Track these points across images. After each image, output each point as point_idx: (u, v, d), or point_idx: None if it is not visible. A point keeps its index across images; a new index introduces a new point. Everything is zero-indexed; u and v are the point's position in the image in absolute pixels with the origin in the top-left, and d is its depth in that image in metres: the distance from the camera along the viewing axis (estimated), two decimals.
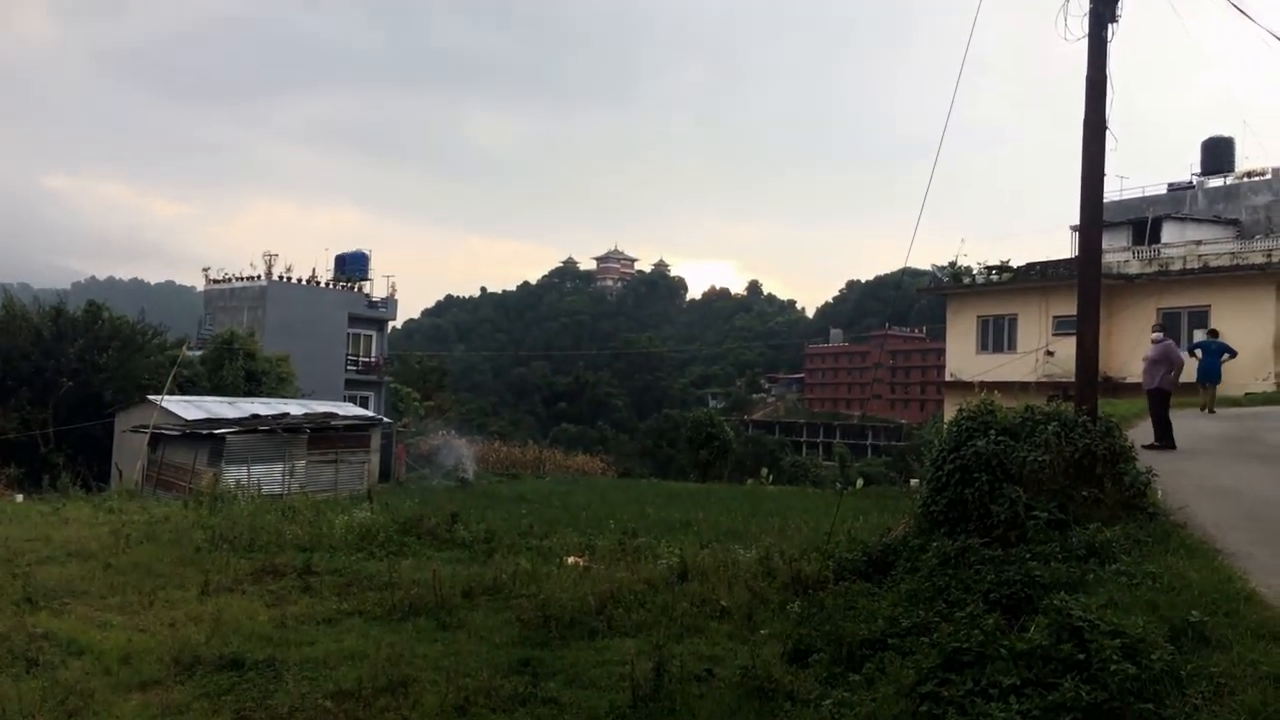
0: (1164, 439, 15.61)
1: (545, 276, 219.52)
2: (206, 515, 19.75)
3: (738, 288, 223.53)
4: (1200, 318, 32.31)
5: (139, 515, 20.00)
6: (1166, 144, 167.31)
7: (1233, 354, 21.50)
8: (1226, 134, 42.97)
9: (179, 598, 12.44)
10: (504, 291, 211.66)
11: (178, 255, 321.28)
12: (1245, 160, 42.59)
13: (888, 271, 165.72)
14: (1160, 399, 16.25)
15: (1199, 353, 21.30)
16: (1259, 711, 5.27)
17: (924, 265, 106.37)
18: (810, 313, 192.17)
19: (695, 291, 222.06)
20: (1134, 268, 35.37)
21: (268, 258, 48.45)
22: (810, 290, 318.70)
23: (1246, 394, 25.49)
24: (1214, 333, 22.17)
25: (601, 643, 10.13)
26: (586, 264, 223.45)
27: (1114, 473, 10.33)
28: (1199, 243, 35.41)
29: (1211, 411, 20.95)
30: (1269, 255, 32.62)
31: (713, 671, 8.56)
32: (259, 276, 48.33)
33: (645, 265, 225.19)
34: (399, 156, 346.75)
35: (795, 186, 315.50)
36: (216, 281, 49.76)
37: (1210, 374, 21.11)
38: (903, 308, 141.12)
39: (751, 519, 22.77)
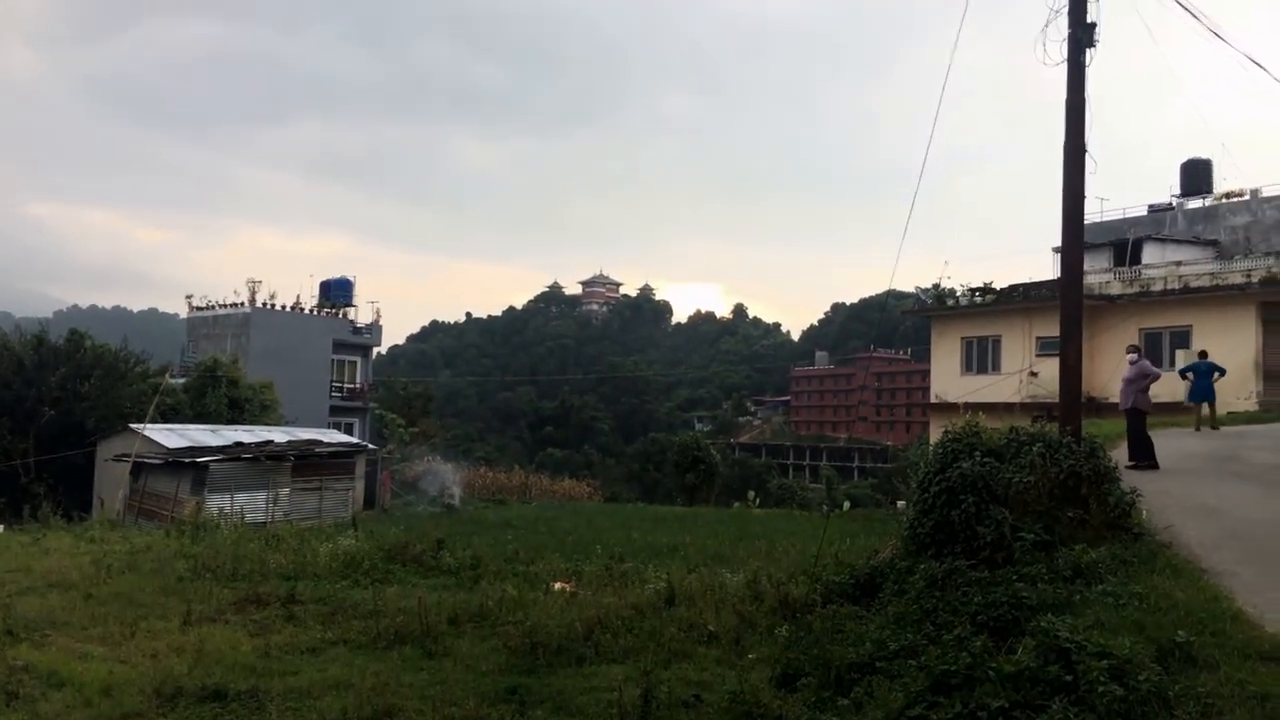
0: (1146, 458, 15.71)
1: (531, 301, 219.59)
2: (189, 544, 19.59)
3: (723, 311, 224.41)
4: (1182, 338, 32.56)
5: (120, 545, 19.82)
6: (1146, 166, 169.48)
7: (1222, 373, 21.81)
8: (1205, 156, 43.51)
9: (161, 628, 12.31)
10: (489, 316, 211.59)
11: (161, 282, 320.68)
12: (1223, 182, 43.13)
13: (872, 294, 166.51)
14: (1136, 418, 16.39)
15: (1190, 375, 21.57)
16: None
17: (908, 287, 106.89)
18: (795, 335, 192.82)
19: (681, 315, 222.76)
20: (1115, 288, 35.64)
21: (251, 284, 48.41)
22: (795, 313, 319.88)
23: (1229, 413, 25.68)
24: (1203, 354, 22.40)
25: (589, 669, 10.07)
26: (572, 288, 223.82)
27: (1099, 493, 10.37)
28: (1179, 263, 35.74)
29: (1215, 428, 21.26)
30: (1248, 275, 32.93)
31: (701, 697, 8.51)
32: (243, 303, 48.20)
33: (631, 289, 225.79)
34: (384, 183, 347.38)
35: (780, 210, 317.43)
36: (200, 309, 49.60)
37: (1204, 394, 21.42)
38: (887, 330, 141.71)
39: (739, 542, 22.72)
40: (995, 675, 6.42)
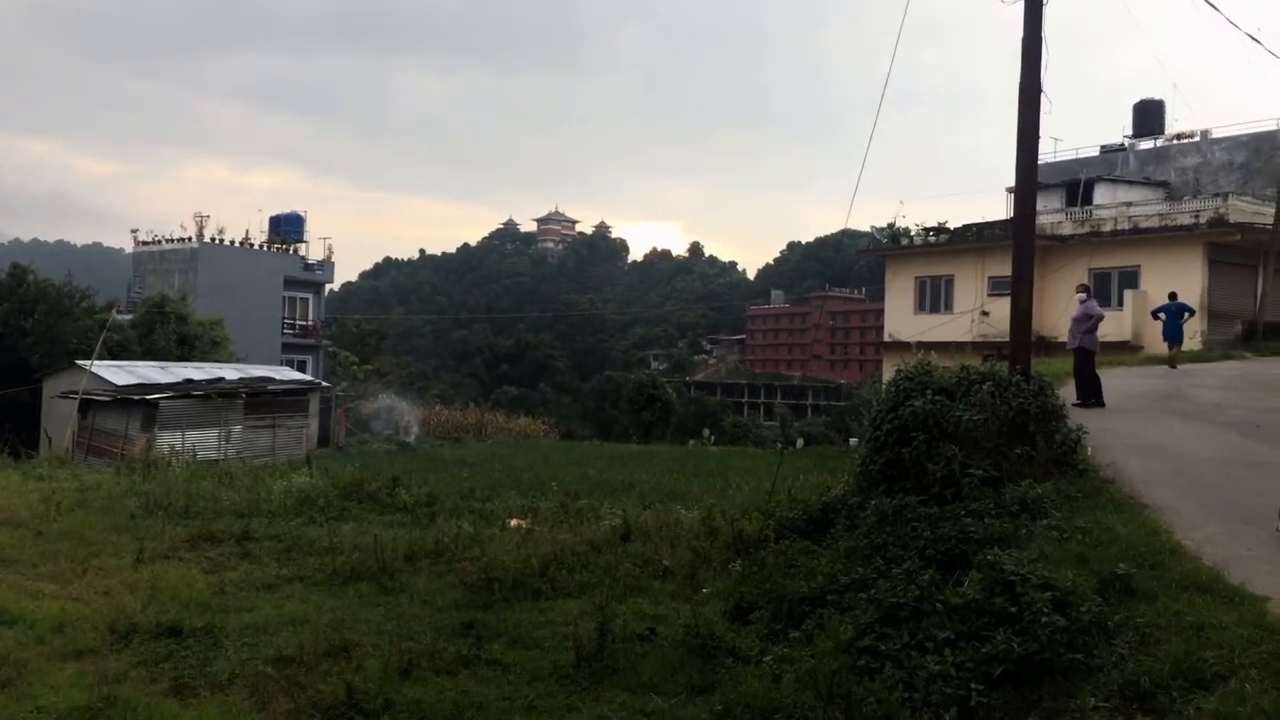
0: (1092, 396, 16.04)
1: (485, 238, 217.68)
2: (140, 482, 19.41)
3: (679, 249, 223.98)
4: (1130, 278, 33.06)
5: (70, 482, 19.58)
6: (1099, 107, 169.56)
7: (1191, 313, 22.65)
8: (1157, 97, 43.82)
9: (113, 566, 12.23)
10: (443, 254, 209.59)
11: (105, 216, 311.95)
12: (1175, 123, 43.57)
13: (828, 233, 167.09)
14: (1084, 358, 16.71)
15: (1162, 315, 22.23)
16: (1182, 660, 5.46)
17: (864, 227, 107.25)
18: (751, 274, 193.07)
19: (637, 253, 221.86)
20: (1067, 229, 36.03)
21: (199, 219, 47.49)
22: (752, 252, 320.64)
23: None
24: (1173, 295, 22.91)
25: (545, 604, 10.18)
26: (527, 226, 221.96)
27: (1046, 430, 10.57)
28: (1130, 204, 36.16)
29: (1173, 367, 22.02)
30: (1197, 216, 33.42)
31: (655, 630, 8.65)
32: (190, 238, 47.32)
33: (586, 227, 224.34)
34: (335, 116, 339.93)
35: (737, 148, 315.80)
36: (146, 243, 48.64)
37: (1173, 334, 22.23)
38: (842, 269, 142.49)
39: (694, 479, 22.96)
40: (943, 607, 6.58)
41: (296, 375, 38.39)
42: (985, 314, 34.00)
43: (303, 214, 52.63)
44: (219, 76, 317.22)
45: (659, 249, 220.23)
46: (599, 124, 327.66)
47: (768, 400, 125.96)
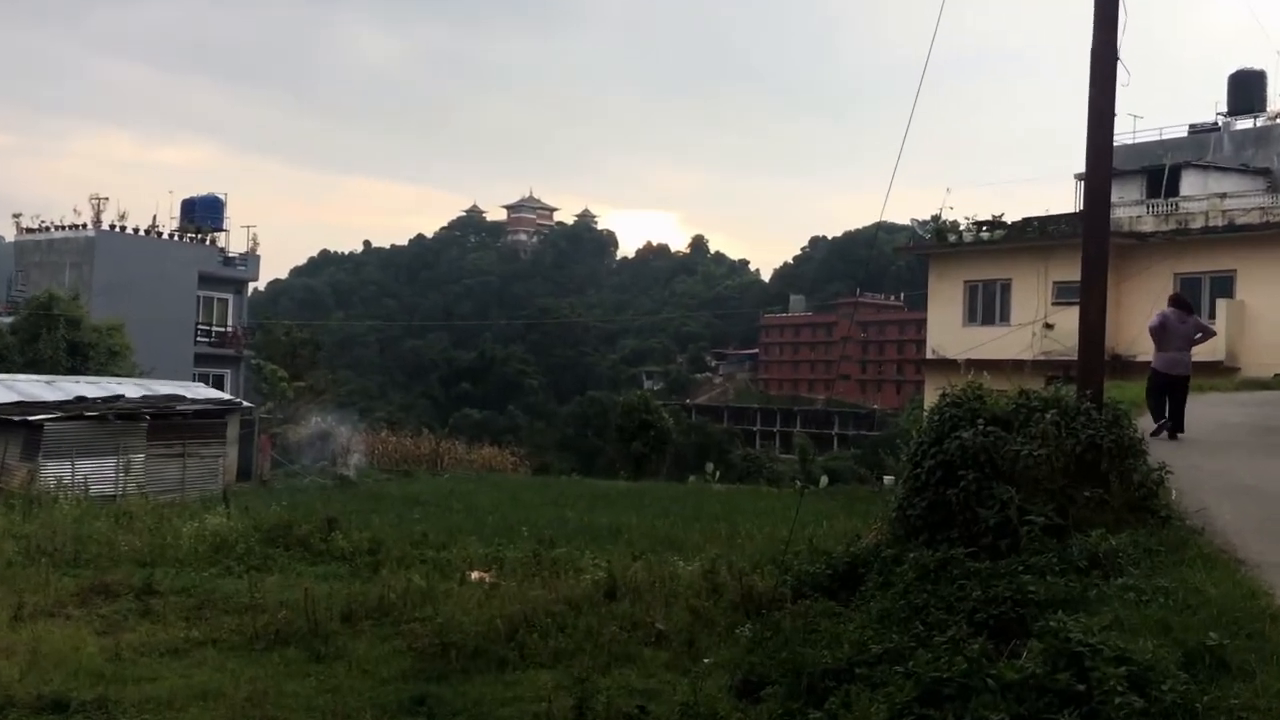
0: (1168, 426, 16.09)
1: (444, 229, 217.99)
2: (19, 522, 19.32)
3: (679, 244, 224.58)
4: (1224, 285, 33.20)
5: None
6: (1188, 78, 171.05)
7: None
8: (1257, 67, 43.98)
9: None
10: (393, 246, 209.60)
11: None
12: (1279, 98, 43.72)
13: (859, 227, 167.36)
14: (1153, 380, 16.72)
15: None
16: None
17: (902, 220, 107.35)
18: (766, 275, 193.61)
19: (628, 248, 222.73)
20: (1148, 224, 36.20)
21: (96, 202, 47.45)
22: (766, 249, 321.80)
23: (1276, 375, 26.30)
24: None
25: (512, 676, 10.15)
26: (495, 214, 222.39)
27: (1121, 469, 10.57)
28: (1224, 195, 36.32)
29: None
30: None
31: (646, 709, 8.63)
32: (85, 225, 47.29)
33: (566, 216, 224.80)
34: (263, 79, 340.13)
35: (749, 123, 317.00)
36: (30, 230, 48.60)
37: None
38: (876, 271, 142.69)
39: (694, 524, 22.93)
40: (995, 684, 6.56)
41: (212, 393, 38.33)
42: (1049, 327, 34.09)
43: (222, 197, 52.69)
44: (119, 28, 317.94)
45: (654, 244, 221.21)
46: (584, 93, 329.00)
47: (785, 428, 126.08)
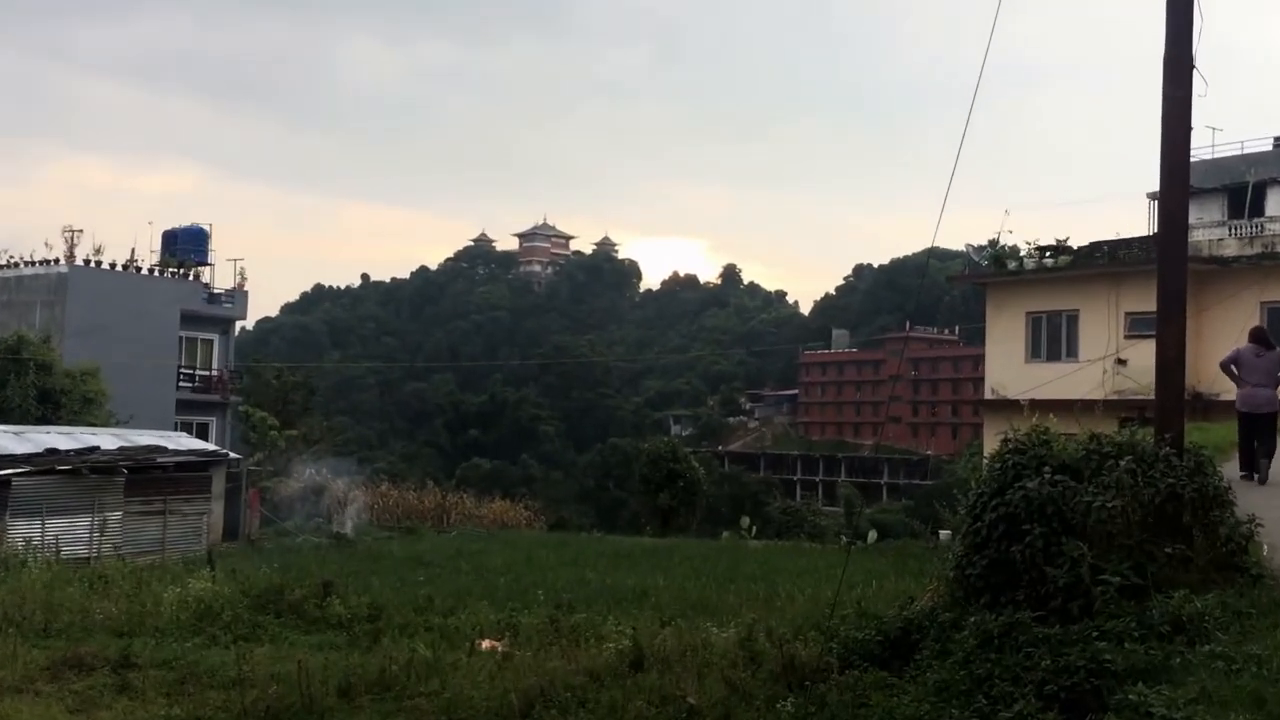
0: (1252, 470, 16.01)
1: (449, 259, 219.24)
2: None
3: (708, 274, 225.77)
4: None
5: None
6: (1272, 87, 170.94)
7: None
8: None
9: None
10: (393, 280, 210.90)
11: None
12: None
13: (908, 253, 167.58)
14: (1242, 421, 16.67)
15: None
16: None
17: (956, 245, 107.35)
18: (806, 308, 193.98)
19: (652, 280, 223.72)
20: (1230, 248, 36.04)
21: (70, 234, 47.70)
22: (805, 278, 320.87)
23: None
24: None
25: None
26: (505, 243, 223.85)
27: (1206, 522, 10.48)
28: None
29: None
30: None
31: None
32: (56, 260, 47.62)
33: (584, 245, 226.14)
34: (252, 98, 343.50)
35: (785, 142, 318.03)
36: None
37: None
38: (928, 302, 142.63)
39: (729, 585, 22.82)
40: None
41: (195, 443, 38.46)
42: (1122, 363, 33.93)
43: (206, 228, 53.03)
44: (97, 46, 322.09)
45: (681, 274, 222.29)
46: (603, 110, 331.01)
47: (828, 477, 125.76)
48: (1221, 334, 31.38)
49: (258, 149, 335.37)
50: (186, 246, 51.65)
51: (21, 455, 30.91)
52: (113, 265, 48.65)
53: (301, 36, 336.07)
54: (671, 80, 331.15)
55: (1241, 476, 15.58)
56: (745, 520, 43.54)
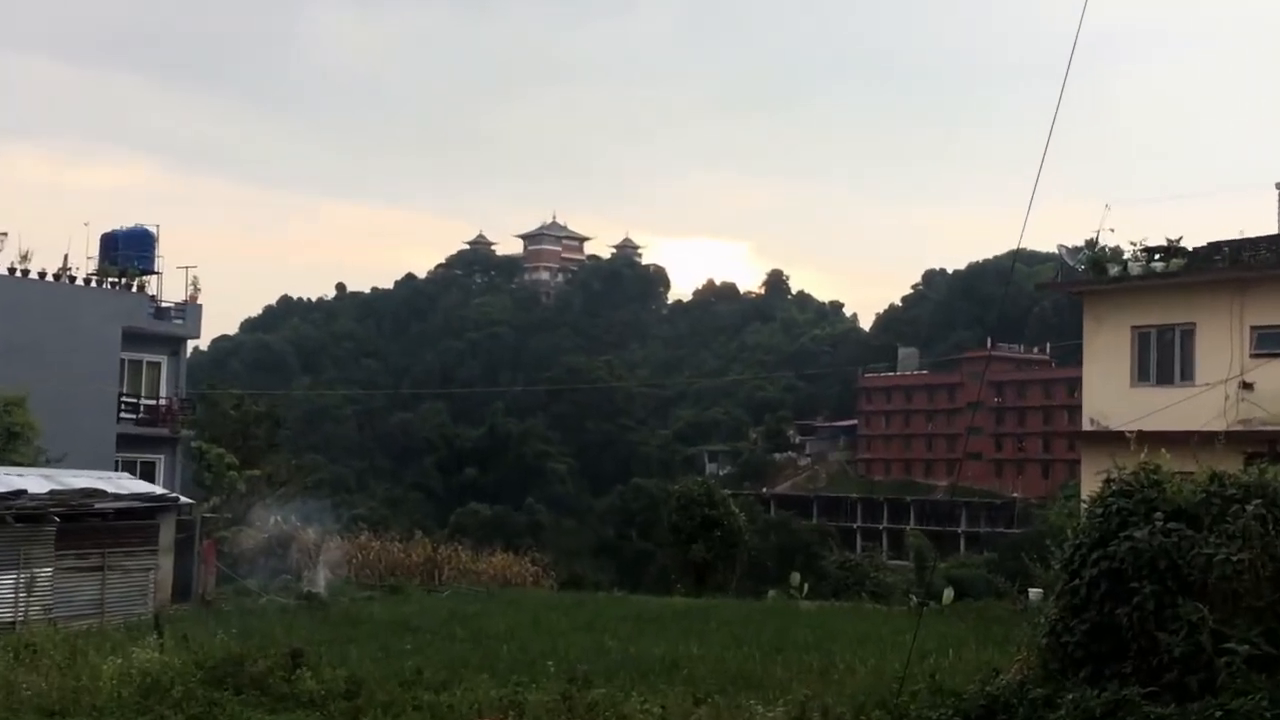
0: None
1: (441, 266, 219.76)
2: None
3: (750, 282, 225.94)
4: None
5: None
6: None
7: None
8: None
9: None
10: (374, 290, 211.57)
11: None
12: None
13: (988, 256, 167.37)
14: None
15: None
16: None
17: (1046, 246, 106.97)
18: (866, 322, 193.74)
19: (683, 289, 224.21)
20: None
21: None
22: (866, 287, 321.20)
23: None
24: None
25: None
26: (507, 245, 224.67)
27: None
28: None
29: None
30: None
31: None
32: None
33: (601, 247, 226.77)
34: (211, 77, 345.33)
35: (839, 125, 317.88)
36: None
37: None
38: (1014, 314, 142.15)
39: (776, 655, 22.75)
40: None
41: (140, 486, 38.49)
42: (1247, 387, 33.73)
43: (153, 230, 53.02)
44: (32, 19, 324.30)
45: (717, 282, 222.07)
46: (621, 89, 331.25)
47: (894, 525, 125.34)
48: None
49: (215, 138, 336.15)
50: (129, 252, 51.62)
51: None
52: (42, 274, 48.76)
53: (267, 7, 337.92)
54: (703, 51, 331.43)
55: None
56: (795, 577, 43.49)
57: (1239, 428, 32.74)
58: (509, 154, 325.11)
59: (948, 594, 39.20)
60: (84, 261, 50.60)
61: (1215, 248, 38.60)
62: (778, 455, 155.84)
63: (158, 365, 51.59)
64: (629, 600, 38.32)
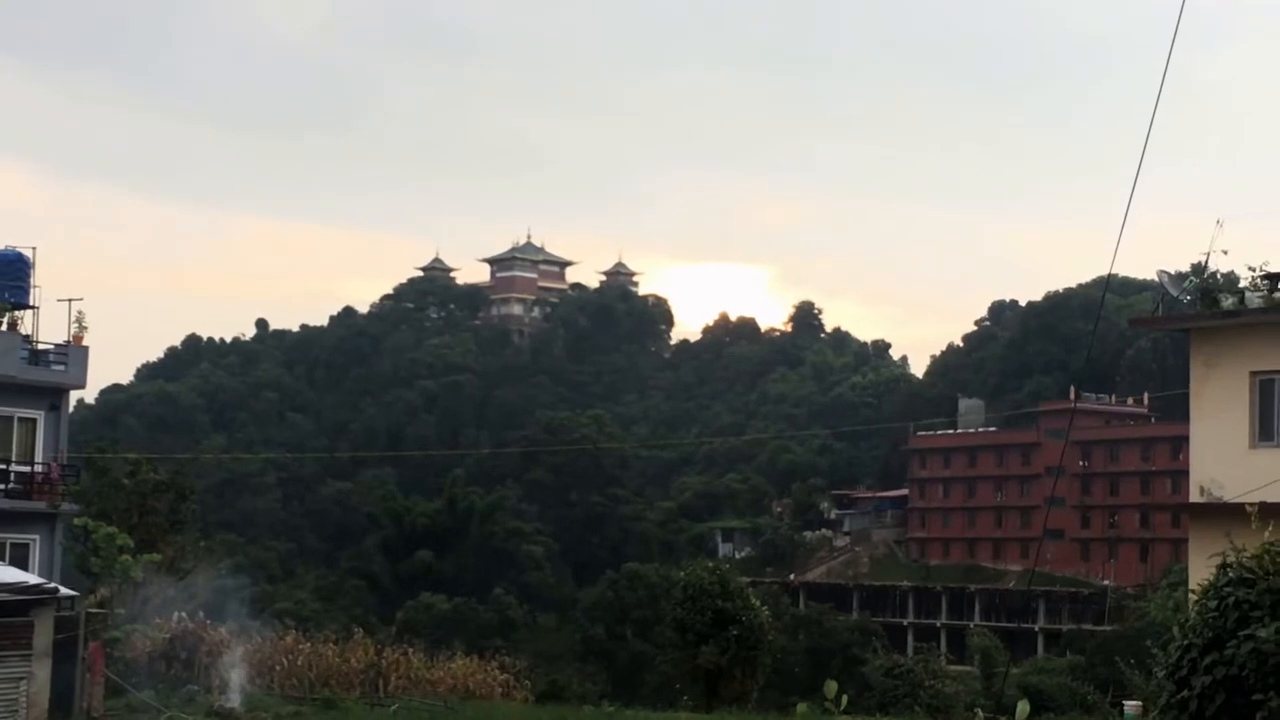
0: None
1: (388, 297, 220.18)
2: None
3: (774, 317, 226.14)
4: None
5: None
6: None
7: None
8: None
9: None
10: (304, 329, 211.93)
11: None
12: None
13: (1071, 285, 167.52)
14: None
15: None
16: None
17: (1141, 272, 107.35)
18: (919, 366, 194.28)
19: (690, 326, 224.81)
20: None
21: None
22: (917, 322, 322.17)
23: None
24: None
25: None
26: (470, 272, 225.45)
27: None
28: None
29: None
30: None
31: None
32: None
33: (587, 274, 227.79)
34: (99, 69, 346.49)
35: (881, 122, 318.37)
36: None
37: None
38: (1103, 356, 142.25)
39: None
40: None
41: (10, 574, 38.51)
42: None
43: (28, 253, 53.20)
44: None
45: (732, 317, 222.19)
46: (609, 76, 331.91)
47: (955, 621, 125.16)
48: None
49: (107, 134, 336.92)
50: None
51: None
52: None
53: None
54: (712, 34, 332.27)
55: None
56: (832, 686, 43.47)
57: None
58: (473, 158, 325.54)
59: (1023, 708, 39.06)
60: None
61: None
62: (808, 534, 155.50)
63: (32, 422, 51.52)
64: (623, 716, 38.26)
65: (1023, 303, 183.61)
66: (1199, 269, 41.36)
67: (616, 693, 51.98)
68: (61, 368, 52.34)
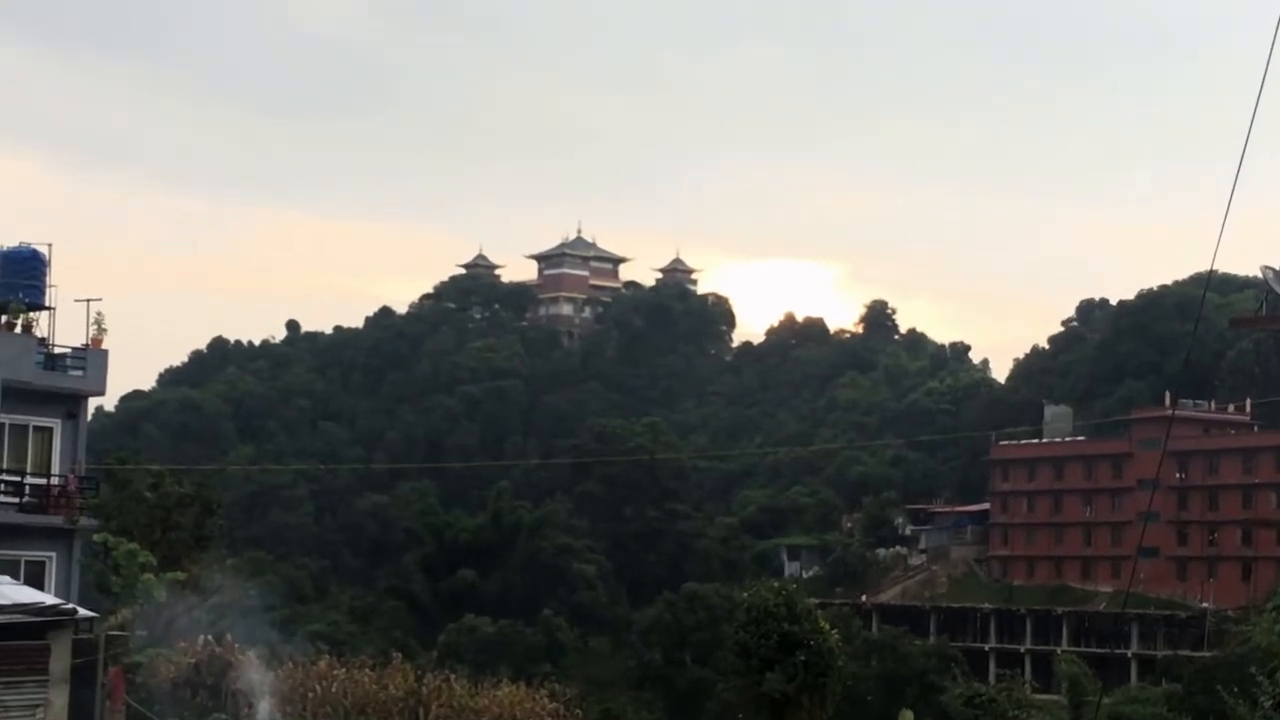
0: None
1: (428, 297, 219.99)
2: None
3: (843, 318, 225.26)
4: None
5: None
6: None
7: None
8: None
9: None
10: (338, 331, 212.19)
11: None
12: None
13: (1167, 282, 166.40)
14: None
15: None
16: None
17: (1245, 269, 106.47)
18: (1001, 371, 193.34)
19: (753, 327, 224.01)
20: None
21: None
22: (999, 324, 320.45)
23: None
24: None
25: None
26: (517, 269, 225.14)
27: None
28: None
29: None
30: None
31: None
32: None
33: (642, 272, 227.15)
34: (120, 53, 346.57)
35: (963, 105, 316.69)
36: None
37: None
38: (1202, 360, 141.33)
39: None
40: None
41: (26, 594, 38.65)
42: None
43: (44, 250, 53.36)
44: None
45: (799, 318, 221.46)
46: (664, 61, 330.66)
47: (1040, 646, 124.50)
48: None
49: (122, 124, 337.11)
50: (11, 280, 51.83)
51: None
52: None
53: None
54: (771, 15, 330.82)
55: None
56: (908, 716, 43.39)
57: None
58: (518, 148, 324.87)
59: None
60: None
61: None
62: (881, 551, 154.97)
63: (48, 431, 51.67)
64: None
65: (1114, 302, 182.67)
66: None
67: None
68: (79, 373, 52.43)
